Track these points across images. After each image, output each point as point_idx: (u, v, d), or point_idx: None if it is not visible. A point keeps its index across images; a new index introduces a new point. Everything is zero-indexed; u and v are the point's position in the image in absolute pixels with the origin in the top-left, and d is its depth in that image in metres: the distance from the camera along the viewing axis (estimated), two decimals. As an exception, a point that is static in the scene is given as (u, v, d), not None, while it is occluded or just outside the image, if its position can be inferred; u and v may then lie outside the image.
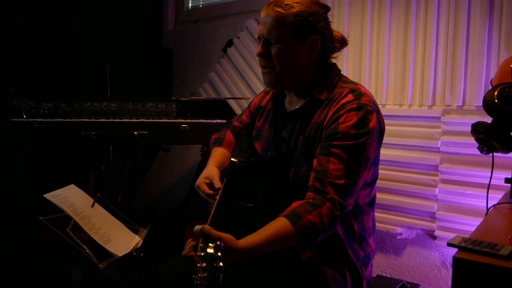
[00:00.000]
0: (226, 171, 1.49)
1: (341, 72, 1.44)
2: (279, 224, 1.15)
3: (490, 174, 1.45)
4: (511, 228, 1.24)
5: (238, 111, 2.64)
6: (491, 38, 1.81)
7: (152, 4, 3.20)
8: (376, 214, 1.50)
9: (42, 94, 2.20)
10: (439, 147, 1.94)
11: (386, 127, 1.42)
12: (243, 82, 2.67)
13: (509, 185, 1.45)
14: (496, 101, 1.28)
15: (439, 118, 1.94)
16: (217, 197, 1.33)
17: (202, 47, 3.00)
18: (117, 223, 1.84)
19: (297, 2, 1.31)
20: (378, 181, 1.44)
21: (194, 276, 0.94)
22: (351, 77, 1.47)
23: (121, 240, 1.75)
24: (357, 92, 1.31)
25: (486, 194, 1.44)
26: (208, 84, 2.87)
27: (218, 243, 0.97)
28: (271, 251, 1.14)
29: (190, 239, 1.11)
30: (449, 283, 1.44)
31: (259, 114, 1.57)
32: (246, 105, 2.63)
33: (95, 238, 1.64)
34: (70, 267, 2.38)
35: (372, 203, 1.42)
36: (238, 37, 2.68)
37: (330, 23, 1.40)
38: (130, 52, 2.94)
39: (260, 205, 1.32)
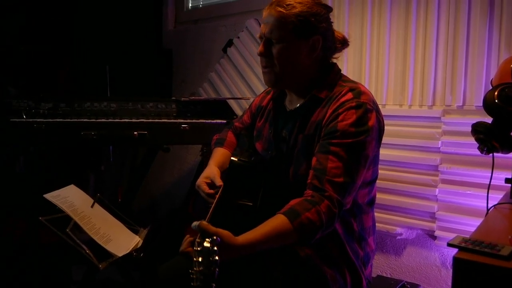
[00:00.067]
0: (227, 171, 1.49)
1: (341, 72, 1.44)
2: (277, 221, 1.16)
3: (490, 174, 1.45)
4: (511, 229, 1.24)
5: (238, 111, 2.64)
6: (491, 38, 1.81)
7: (152, 4, 3.20)
8: (376, 214, 1.50)
9: (42, 94, 2.20)
10: (439, 147, 1.94)
11: (386, 127, 1.42)
12: (243, 82, 2.67)
13: (509, 185, 1.45)
14: (496, 101, 1.28)
15: (439, 118, 1.94)
16: (217, 195, 1.33)
17: (202, 47, 3.00)
18: (117, 223, 1.84)
19: (299, 2, 1.31)
20: (378, 181, 1.44)
21: (190, 271, 0.94)
22: (351, 77, 1.47)
23: (121, 240, 1.75)
24: (357, 91, 1.31)
25: (486, 194, 1.44)
26: (208, 84, 2.87)
27: (215, 237, 0.98)
28: (269, 248, 1.14)
29: (188, 235, 1.11)
30: (449, 283, 1.44)
31: (260, 114, 1.57)
32: (246, 105, 2.65)
33: (95, 238, 1.64)
34: (70, 267, 2.38)
35: (371, 202, 1.42)
36: (238, 37, 2.68)
37: (332, 24, 1.40)
38: (130, 52, 2.94)
39: (260, 204, 1.33)
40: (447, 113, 1.93)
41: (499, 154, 1.37)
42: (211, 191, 1.39)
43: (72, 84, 2.91)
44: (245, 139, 1.62)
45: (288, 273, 1.28)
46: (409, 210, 2.04)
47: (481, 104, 1.38)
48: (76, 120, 2.12)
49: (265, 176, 1.39)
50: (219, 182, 1.39)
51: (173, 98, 2.61)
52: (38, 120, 2.01)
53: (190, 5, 3.17)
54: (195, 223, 1.04)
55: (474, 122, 1.38)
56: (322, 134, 1.30)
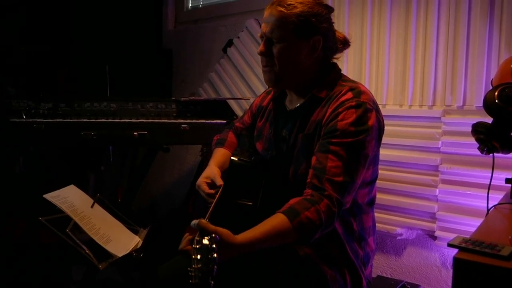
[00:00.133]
0: (227, 171, 1.49)
1: (342, 72, 1.44)
2: (277, 220, 1.16)
3: (490, 175, 1.45)
4: (511, 229, 1.24)
5: (238, 111, 2.64)
6: (491, 38, 1.81)
7: (152, 4, 3.20)
8: (376, 214, 1.50)
9: (42, 94, 2.20)
10: (440, 148, 1.94)
11: (386, 128, 1.42)
12: (243, 82, 2.66)
13: (510, 185, 1.45)
14: (496, 101, 1.28)
15: (439, 118, 1.94)
16: (217, 195, 1.33)
17: (202, 47, 3.00)
18: (117, 224, 1.83)
19: (300, 3, 1.32)
20: (378, 181, 1.44)
21: (189, 269, 0.93)
22: (351, 77, 1.47)
23: (121, 240, 1.74)
24: (357, 90, 1.31)
25: (486, 195, 1.44)
26: (208, 84, 2.87)
27: (214, 235, 0.98)
28: (268, 247, 1.14)
29: (187, 234, 1.11)
30: (450, 283, 1.44)
31: (261, 114, 1.58)
32: (246, 105, 2.65)
33: (95, 238, 1.64)
34: (70, 268, 2.38)
35: (371, 202, 1.42)
36: (238, 37, 2.67)
37: (333, 24, 1.40)
38: (130, 52, 2.94)
39: (260, 203, 1.33)
40: (447, 113, 1.93)
41: (499, 154, 1.37)
42: (211, 191, 1.39)
43: (72, 84, 2.91)
44: (246, 139, 1.62)
45: (287, 272, 1.28)
46: (409, 210, 2.04)
47: (482, 104, 1.38)
48: (76, 120, 2.12)
49: (265, 175, 1.39)
50: (219, 182, 1.39)
51: (173, 98, 2.62)
52: (38, 120, 2.01)
53: (190, 5, 3.17)
54: (194, 222, 1.04)
55: (474, 122, 1.38)
56: (322, 133, 1.30)
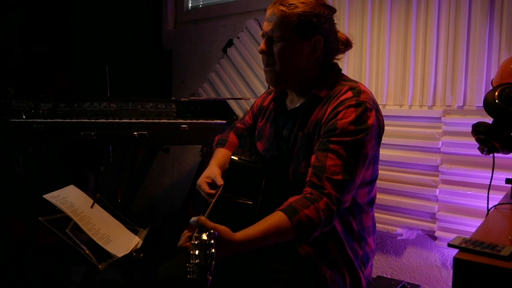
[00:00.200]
0: (227, 170, 1.49)
1: (342, 72, 1.44)
2: (276, 218, 1.16)
3: (490, 175, 1.44)
4: (511, 229, 1.24)
5: (238, 111, 2.64)
6: (491, 38, 1.81)
7: (151, 4, 3.20)
8: (376, 214, 1.50)
9: (41, 94, 2.20)
10: (440, 148, 1.94)
11: (387, 128, 1.42)
12: (243, 82, 2.66)
13: (510, 185, 1.44)
14: (496, 101, 1.28)
15: (439, 118, 1.94)
16: (217, 194, 1.33)
17: (202, 48, 3.00)
18: (116, 224, 1.83)
19: (302, 2, 1.32)
20: (378, 181, 1.44)
21: (187, 265, 0.93)
22: (351, 77, 1.47)
23: (120, 241, 1.74)
24: (357, 89, 1.32)
25: (486, 195, 1.44)
26: (208, 84, 2.87)
27: (212, 231, 0.97)
28: (267, 245, 1.14)
29: (186, 230, 1.11)
30: (450, 284, 1.43)
31: (261, 114, 1.58)
32: (246, 105, 2.65)
33: (95, 238, 1.64)
34: (68, 268, 2.38)
35: (371, 202, 1.42)
36: (238, 37, 2.67)
37: (335, 25, 1.40)
38: (130, 52, 2.94)
39: (260, 202, 1.33)
40: (448, 113, 1.92)
41: (500, 155, 1.36)
42: (212, 191, 1.39)
43: (71, 84, 2.91)
44: (247, 140, 1.62)
45: (287, 273, 1.28)
46: (410, 211, 2.04)
47: (482, 105, 1.38)
48: (75, 120, 2.11)
49: (265, 174, 1.39)
50: (220, 182, 1.39)
51: (173, 98, 2.61)
52: (38, 120, 2.01)
53: (190, 5, 3.17)
54: (193, 218, 1.04)
55: (475, 122, 1.38)
56: (321, 132, 1.30)
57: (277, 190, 1.36)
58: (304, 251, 1.31)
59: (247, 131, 1.65)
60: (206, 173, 1.46)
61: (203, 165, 2.69)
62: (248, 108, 2.58)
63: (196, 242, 0.95)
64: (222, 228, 1.06)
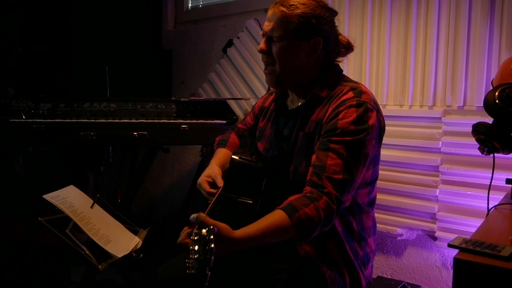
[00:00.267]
0: (227, 169, 1.49)
1: (343, 73, 1.45)
2: (276, 216, 1.16)
3: (491, 175, 1.44)
4: (512, 229, 1.23)
5: (238, 111, 2.63)
6: (492, 38, 1.80)
7: (151, 4, 3.20)
8: (376, 215, 1.50)
9: (41, 94, 2.21)
10: (440, 148, 1.94)
11: (387, 128, 1.42)
12: (243, 82, 2.66)
13: (510, 186, 1.44)
14: (497, 101, 1.28)
15: (439, 118, 1.94)
16: (217, 193, 1.33)
17: (202, 48, 3.00)
18: (116, 224, 1.83)
19: (303, 4, 1.33)
20: (378, 181, 1.44)
21: (186, 260, 0.93)
22: (351, 77, 1.47)
23: (120, 241, 1.74)
24: (358, 90, 1.32)
25: (487, 195, 1.43)
26: (207, 84, 2.87)
27: (212, 227, 0.97)
28: (266, 243, 1.13)
29: (185, 227, 1.11)
30: (450, 284, 1.43)
31: (263, 115, 1.59)
32: (246, 105, 2.65)
33: (95, 239, 1.64)
34: (69, 268, 2.38)
35: (372, 203, 1.42)
36: (238, 37, 2.67)
37: (336, 27, 1.41)
38: (130, 52, 2.94)
39: (260, 202, 1.33)
40: (448, 113, 1.92)
41: (500, 155, 1.36)
42: (212, 190, 1.39)
43: (71, 84, 2.91)
44: (248, 140, 1.63)
45: (287, 273, 1.28)
46: (410, 211, 2.03)
47: (482, 105, 1.38)
48: (75, 120, 2.11)
49: (266, 174, 1.39)
50: (220, 181, 1.39)
51: (173, 98, 2.61)
52: (38, 120, 2.01)
53: (190, 5, 3.17)
54: (193, 215, 1.03)
55: (475, 122, 1.38)
56: (322, 132, 1.30)
57: (277, 189, 1.37)
58: (304, 251, 1.31)
59: (248, 132, 1.66)
60: (207, 172, 1.46)
61: (203, 165, 2.69)
62: (248, 108, 2.59)
63: (195, 238, 0.95)
64: (222, 225, 1.06)
